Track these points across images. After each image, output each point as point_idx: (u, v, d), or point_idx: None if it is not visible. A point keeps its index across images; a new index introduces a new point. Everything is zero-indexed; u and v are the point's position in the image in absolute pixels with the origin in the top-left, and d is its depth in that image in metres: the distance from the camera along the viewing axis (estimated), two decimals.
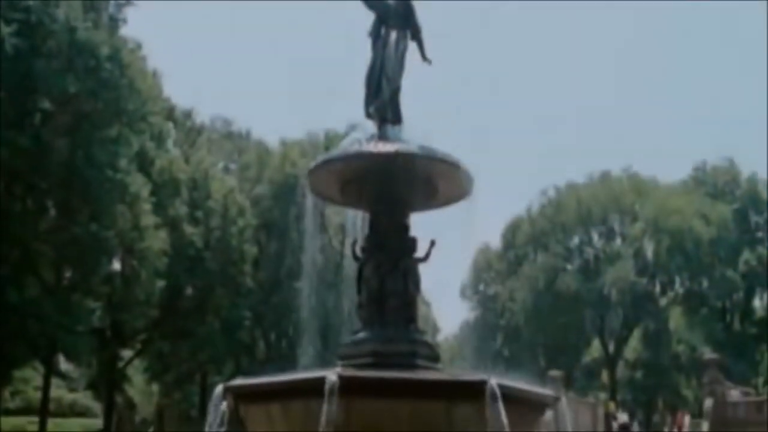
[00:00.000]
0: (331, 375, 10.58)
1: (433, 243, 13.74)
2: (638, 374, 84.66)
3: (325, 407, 10.24)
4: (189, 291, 57.86)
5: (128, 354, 60.71)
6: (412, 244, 13.68)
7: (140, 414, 71.19)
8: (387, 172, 13.40)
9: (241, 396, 12.12)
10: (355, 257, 13.79)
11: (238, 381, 12.97)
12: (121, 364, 59.23)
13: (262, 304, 64.29)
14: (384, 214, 13.74)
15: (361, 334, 13.15)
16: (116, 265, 52.88)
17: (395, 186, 13.68)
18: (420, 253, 13.75)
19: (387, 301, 13.10)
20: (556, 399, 13.05)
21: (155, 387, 72.05)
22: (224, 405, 12.05)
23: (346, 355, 12.93)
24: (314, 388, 10.53)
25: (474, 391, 10.70)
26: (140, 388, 73.85)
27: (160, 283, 51.47)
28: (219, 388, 12.21)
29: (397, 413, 10.95)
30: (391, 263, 13.31)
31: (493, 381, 10.72)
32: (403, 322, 13.13)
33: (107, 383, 57.39)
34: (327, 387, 10.28)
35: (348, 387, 10.46)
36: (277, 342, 66.15)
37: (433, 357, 13.35)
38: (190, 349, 58.82)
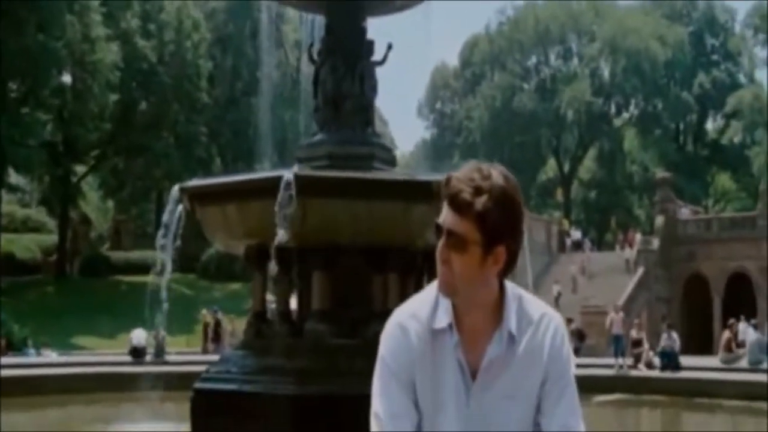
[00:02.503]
0: (288, 174, 10.49)
1: (390, 46, 13.48)
2: (592, 193, 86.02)
3: (280, 206, 10.18)
4: (143, 106, 57.10)
5: (82, 170, 60.31)
6: (369, 47, 13.37)
7: (96, 230, 71.29)
8: None
9: (197, 197, 12.02)
10: (312, 60, 13.50)
11: (194, 182, 12.87)
12: (74, 180, 58.87)
13: (218, 120, 63.73)
14: (340, 16, 13.39)
15: (318, 137, 13.01)
16: (67, 78, 51.94)
17: None
18: (377, 56, 13.50)
19: (343, 104, 12.90)
20: None
21: (111, 204, 72.13)
22: (180, 207, 11.95)
23: (303, 157, 12.82)
24: (271, 188, 10.45)
25: (431, 191, 10.65)
26: (95, 204, 73.85)
27: (113, 97, 50.76)
28: (175, 189, 12.09)
29: (353, 212, 10.95)
30: (348, 66, 13.04)
31: None
32: (360, 125, 12.98)
33: (61, 199, 57.17)
34: (283, 185, 10.20)
35: (304, 186, 10.39)
36: (234, 159, 65.93)
37: (390, 160, 13.27)
38: (145, 165, 58.53)
